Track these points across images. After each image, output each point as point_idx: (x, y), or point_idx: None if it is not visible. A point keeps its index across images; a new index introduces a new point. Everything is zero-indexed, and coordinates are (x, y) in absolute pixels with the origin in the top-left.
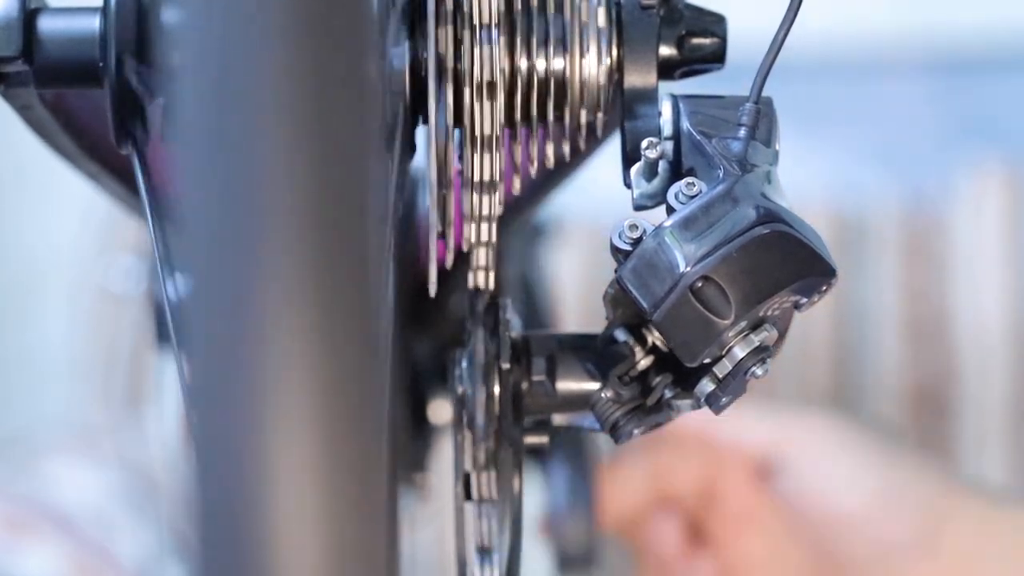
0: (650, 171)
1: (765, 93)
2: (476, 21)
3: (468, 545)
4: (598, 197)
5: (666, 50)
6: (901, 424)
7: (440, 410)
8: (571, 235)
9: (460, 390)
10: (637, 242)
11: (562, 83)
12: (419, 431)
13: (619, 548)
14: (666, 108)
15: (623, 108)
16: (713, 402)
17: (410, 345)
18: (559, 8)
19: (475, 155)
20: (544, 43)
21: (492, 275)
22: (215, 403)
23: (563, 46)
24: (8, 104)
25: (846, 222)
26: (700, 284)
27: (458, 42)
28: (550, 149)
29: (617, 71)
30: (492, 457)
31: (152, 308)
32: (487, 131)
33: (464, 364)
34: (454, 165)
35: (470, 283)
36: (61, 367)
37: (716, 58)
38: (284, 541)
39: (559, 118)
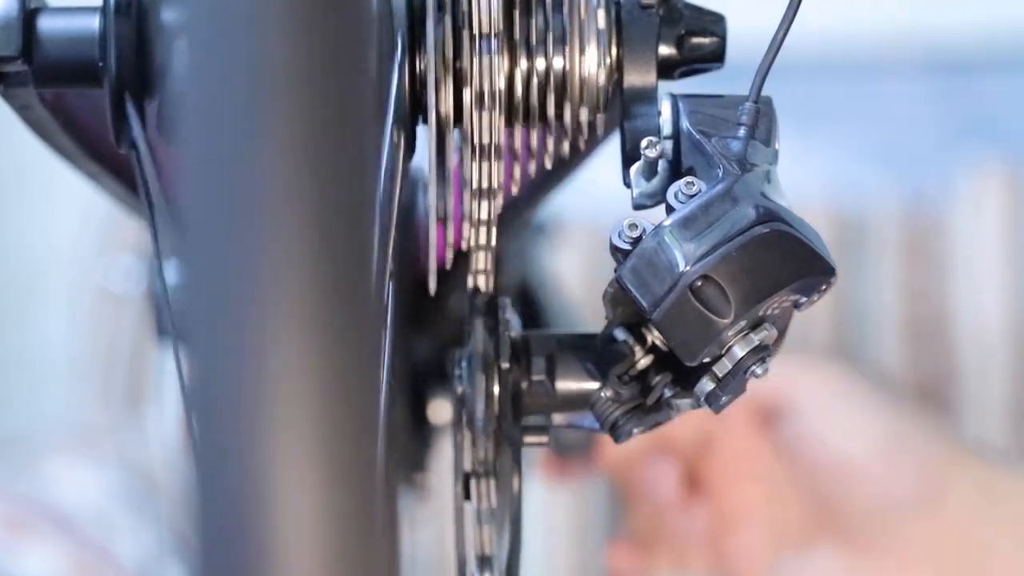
0: (649, 170)
1: (764, 92)
2: (476, 31)
3: (467, 545)
4: (598, 197)
5: (665, 49)
6: None
7: (440, 410)
8: (571, 235)
9: (460, 390)
10: (637, 241)
11: (562, 82)
12: (419, 431)
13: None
14: (665, 107)
15: (623, 107)
16: (713, 401)
17: (410, 345)
18: (559, 8)
19: (474, 163)
20: (544, 42)
21: (491, 279)
22: (215, 403)
23: (563, 45)
24: (8, 104)
25: (846, 222)
26: (700, 283)
27: (458, 40)
28: (550, 149)
29: (617, 70)
30: (491, 459)
31: (152, 308)
32: (487, 139)
33: (464, 364)
34: (454, 164)
35: (470, 286)
36: (61, 367)
37: (715, 57)
38: (283, 542)
39: (559, 117)
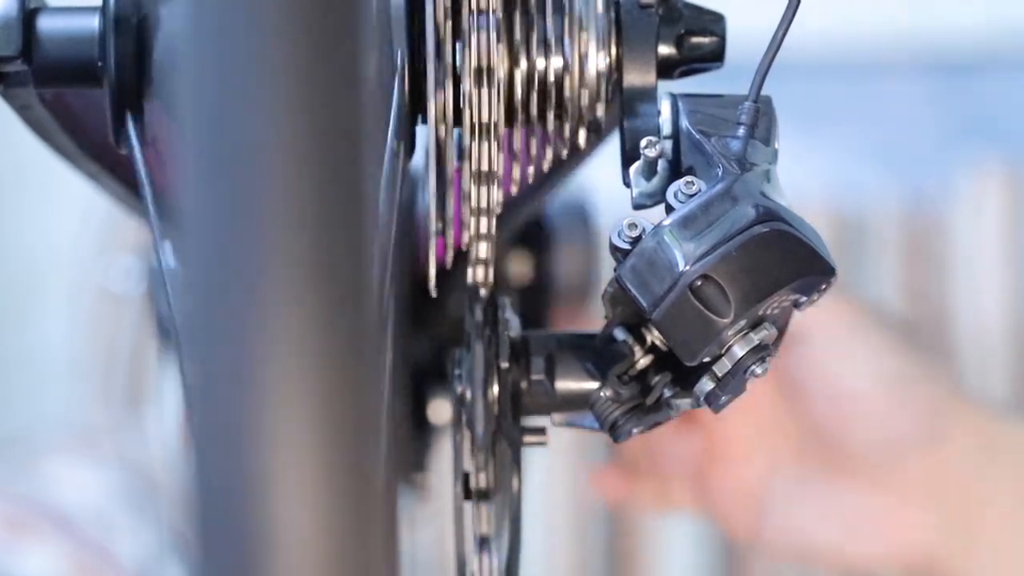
0: (649, 170)
1: (764, 92)
2: (474, 7)
3: (467, 544)
4: (598, 196)
5: (665, 49)
6: None
7: (440, 410)
8: None
9: (459, 390)
10: (636, 241)
11: (561, 82)
12: (419, 431)
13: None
14: (665, 107)
15: (622, 107)
16: (712, 401)
17: (410, 345)
18: (558, 7)
19: (473, 144)
20: (543, 42)
21: (491, 270)
22: (215, 403)
23: (562, 45)
24: (8, 104)
25: (846, 222)
26: (699, 283)
27: (457, 40)
28: (549, 148)
29: (616, 70)
30: (491, 456)
31: (153, 308)
32: (485, 119)
33: (463, 364)
34: (453, 163)
35: (469, 278)
36: (61, 367)
37: (715, 57)
38: (284, 541)
39: (558, 117)
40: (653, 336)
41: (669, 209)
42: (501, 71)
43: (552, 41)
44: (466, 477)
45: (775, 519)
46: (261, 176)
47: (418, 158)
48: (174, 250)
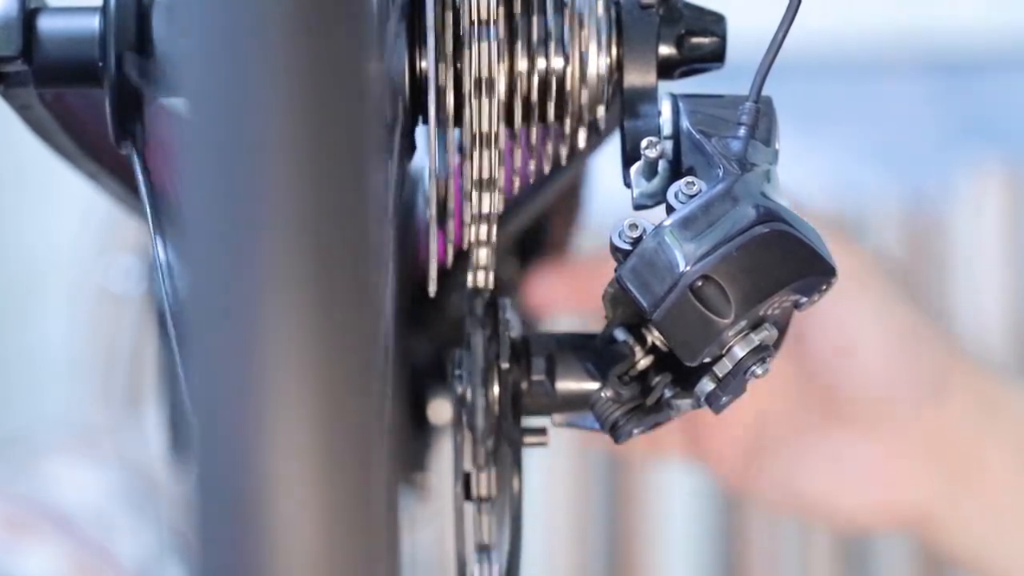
0: (650, 170)
1: (765, 92)
2: (475, 17)
3: (468, 545)
4: (598, 196)
5: (665, 49)
6: None
7: (440, 410)
8: None
9: (460, 390)
10: (637, 241)
11: (561, 83)
12: (419, 431)
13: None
14: (666, 107)
15: (622, 107)
16: (713, 401)
17: (410, 345)
18: (558, 8)
19: (474, 152)
20: (543, 43)
21: (491, 274)
22: (215, 403)
23: (562, 46)
24: (8, 104)
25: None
26: (700, 283)
27: (457, 41)
28: (549, 149)
29: (617, 70)
30: (491, 456)
31: (153, 308)
32: (485, 128)
33: (464, 364)
34: (454, 164)
35: (470, 283)
36: (61, 367)
37: (715, 57)
38: (284, 542)
39: (559, 118)
40: (654, 336)
41: (670, 209)
42: (501, 78)
43: (553, 41)
44: (466, 477)
45: (767, 468)
46: (261, 176)
47: (418, 158)
48: (174, 250)
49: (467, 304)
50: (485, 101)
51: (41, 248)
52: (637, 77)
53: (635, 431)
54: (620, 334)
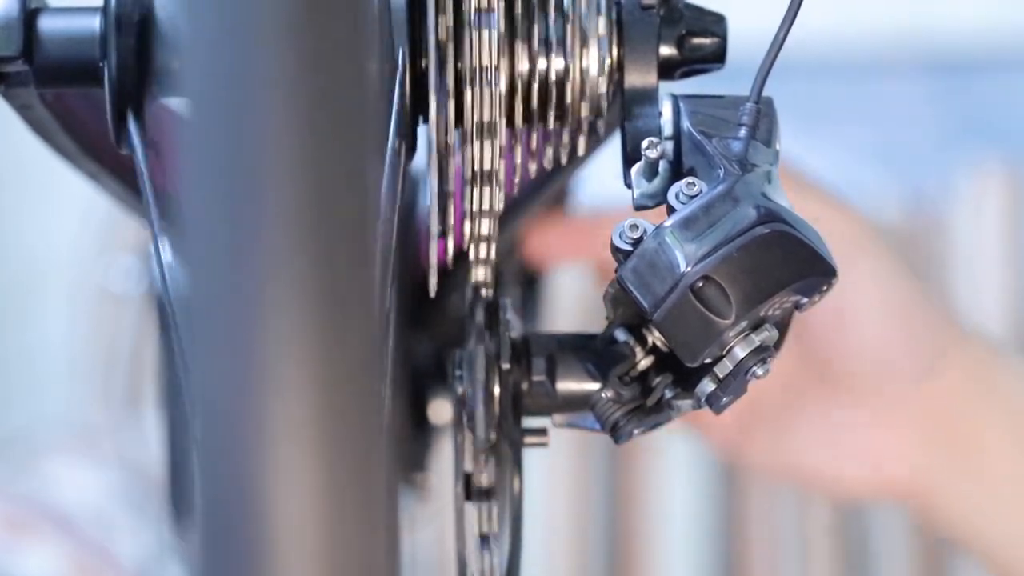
0: (650, 171)
1: (765, 93)
2: (475, 5)
3: (468, 545)
4: (598, 197)
5: (666, 50)
6: None
7: (440, 410)
8: None
9: (460, 390)
10: (638, 242)
11: (562, 83)
12: (419, 431)
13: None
14: (666, 108)
15: (623, 108)
16: (714, 402)
17: (410, 345)
18: (559, 8)
19: (474, 143)
20: (544, 43)
21: (492, 269)
22: (215, 403)
23: (563, 46)
24: (8, 104)
25: None
26: (701, 284)
27: (458, 39)
28: (550, 149)
29: (617, 71)
30: (492, 455)
31: (153, 308)
32: (486, 117)
33: (464, 364)
34: (454, 164)
35: (471, 277)
36: (61, 367)
37: (716, 58)
38: (284, 541)
39: (559, 118)
40: (654, 337)
41: (670, 210)
42: (502, 70)
43: (553, 42)
44: (467, 477)
45: (762, 437)
46: (261, 177)
47: (419, 158)
48: (174, 250)
49: (467, 305)
50: (487, 90)
51: (41, 248)
52: (638, 78)
53: (635, 432)
54: (621, 334)
